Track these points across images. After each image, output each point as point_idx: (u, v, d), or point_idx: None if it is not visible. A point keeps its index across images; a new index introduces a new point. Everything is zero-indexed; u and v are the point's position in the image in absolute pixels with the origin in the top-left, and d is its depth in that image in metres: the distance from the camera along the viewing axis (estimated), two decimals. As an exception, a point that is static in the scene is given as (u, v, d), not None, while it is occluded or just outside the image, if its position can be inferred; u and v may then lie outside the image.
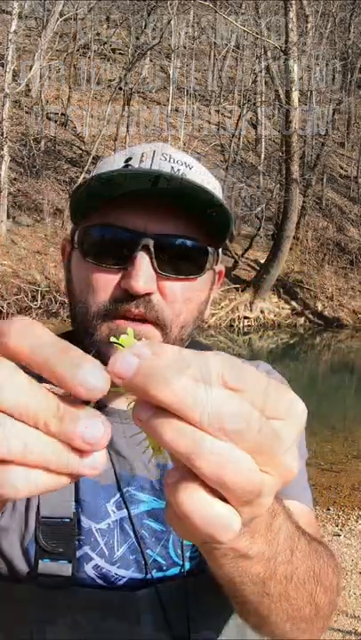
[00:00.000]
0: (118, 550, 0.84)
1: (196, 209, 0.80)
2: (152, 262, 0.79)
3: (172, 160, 0.84)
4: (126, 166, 0.84)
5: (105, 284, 0.80)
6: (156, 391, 0.35)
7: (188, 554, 0.86)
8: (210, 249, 0.84)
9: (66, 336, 0.93)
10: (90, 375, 0.35)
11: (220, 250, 0.91)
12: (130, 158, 0.85)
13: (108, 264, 0.80)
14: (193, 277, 0.83)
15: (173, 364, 0.36)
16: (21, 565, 0.82)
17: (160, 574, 0.85)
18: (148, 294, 0.79)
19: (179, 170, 0.84)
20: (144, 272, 0.77)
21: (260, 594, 0.61)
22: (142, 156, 0.84)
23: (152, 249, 0.79)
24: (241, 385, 0.37)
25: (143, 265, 0.78)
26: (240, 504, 0.38)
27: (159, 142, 0.90)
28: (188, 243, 0.82)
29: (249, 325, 17.14)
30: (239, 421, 0.35)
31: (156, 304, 0.80)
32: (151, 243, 0.78)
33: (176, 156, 0.86)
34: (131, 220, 0.80)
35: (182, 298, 0.82)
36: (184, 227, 0.81)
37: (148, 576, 0.84)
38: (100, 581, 0.83)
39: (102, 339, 0.80)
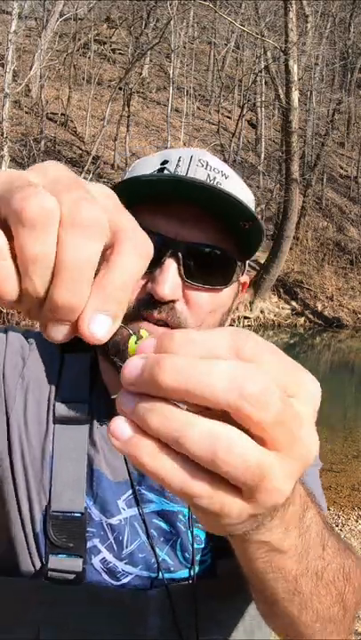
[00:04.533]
0: (127, 547, 0.84)
1: (230, 220, 0.79)
2: (179, 270, 0.78)
3: (208, 167, 0.84)
4: (162, 169, 0.84)
5: None
6: (161, 380, 0.34)
7: (197, 557, 0.86)
8: (238, 261, 0.84)
9: None
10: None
11: (247, 262, 0.90)
12: (166, 161, 0.84)
13: None
14: (219, 288, 0.82)
15: (179, 349, 0.35)
16: (33, 560, 0.82)
17: (168, 575, 0.84)
18: (173, 301, 0.79)
19: (215, 178, 0.83)
20: (170, 279, 0.77)
21: (291, 591, 0.61)
22: (179, 160, 0.84)
23: (181, 256, 0.78)
24: (258, 357, 0.35)
25: (170, 272, 0.77)
26: (246, 490, 0.36)
27: (197, 148, 0.89)
28: (218, 253, 0.81)
29: (249, 325, 17.14)
30: (259, 394, 0.34)
31: (179, 311, 0.79)
32: (180, 250, 0.78)
33: (213, 163, 0.85)
34: (162, 224, 0.79)
35: (207, 308, 0.82)
36: (215, 237, 0.81)
37: (155, 575, 0.84)
38: (105, 576, 0.83)
39: (124, 341, 0.79)
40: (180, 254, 0.78)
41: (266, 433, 0.35)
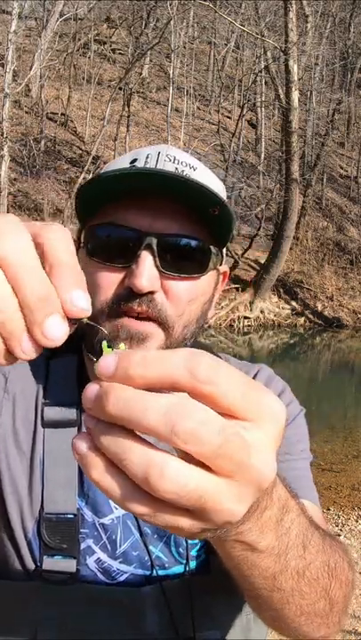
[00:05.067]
0: (121, 546, 0.85)
1: (199, 208, 0.80)
2: (155, 261, 0.79)
3: (176, 161, 0.85)
4: (131, 168, 0.85)
5: (109, 282, 0.81)
6: (107, 410, 0.38)
7: (192, 552, 0.86)
8: (213, 248, 0.85)
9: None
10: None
11: (225, 250, 0.91)
12: (135, 160, 0.86)
13: (112, 262, 0.81)
14: (196, 276, 0.83)
15: (135, 370, 0.38)
16: (25, 562, 0.83)
17: (162, 572, 0.85)
18: (152, 293, 0.80)
19: (183, 171, 0.85)
20: (147, 270, 0.78)
21: (270, 588, 0.62)
22: (147, 157, 0.85)
23: (155, 248, 0.79)
24: (213, 379, 0.37)
25: (147, 264, 0.78)
26: (193, 510, 0.39)
27: (164, 144, 0.91)
28: (192, 242, 0.82)
29: (249, 325, 17.14)
30: (191, 432, 0.36)
31: (159, 302, 0.80)
32: (155, 242, 0.79)
33: (180, 157, 0.87)
34: (135, 219, 0.81)
35: (186, 297, 0.83)
36: (188, 226, 0.82)
37: (150, 572, 0.84)
38: (101, 576, 0.83)
39: (110, 335, 0.81)
40: (154, 246, 0.79)
41: (208, 462, 0.37)
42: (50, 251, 0.40)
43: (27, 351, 0.40)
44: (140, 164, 0.85)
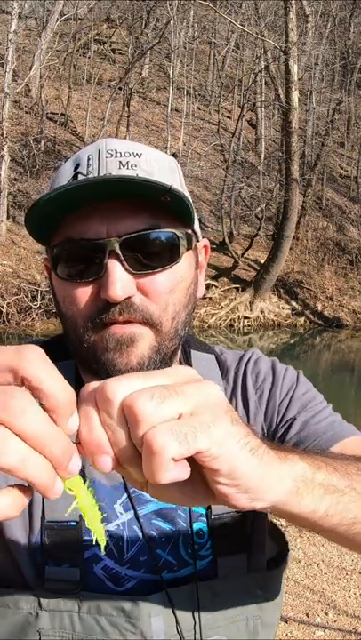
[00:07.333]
0: (128, 551, 0.84)
1: (151, 200, 0.78)
2: (124, 265, 0.77)
3: (118, 154, 0.82)
4: (76, 175, 0.82)
5: (85, 298, 0.79)
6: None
7: (200, 552, 0.86)
8: (179, 232, 0.82)
9: (59, 339, 0.92)
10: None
11: (197, 226, 0.89)
12: (78, 165, 0.83)
13: (82, 278, 0.79)
14: (169, 266, 0.80)
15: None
16: (29, 571, 0.82)
17: (171, 575, 0.84)
18: (129, 298, 0.78)
19: (128, 162, 0.81)
20: (119, 278, 0.76)
21: (352, 534, 0.64)
22: (88, 159, 0.82)
23: (120, 252, 0.77)
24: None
25: (116, 271, 0.76)
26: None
27: (104, 139, 0.87)
28: (154, 234, 0.79)
29: (249, 325, 17.15)
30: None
31: (139, 305, 0.79)
32: (117, 246, 0.77)
33: (122, 148, 0.83)
34: (92, 227, 0.78)
35: (165, 290, 0.80)
36: (147, 218, 0.79)
37: (159, 577, 0.83)
38: (109, 583, 0.82)
39: (99, 348, 0.80)
40: (118, 251, 0.77)
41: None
42: (45, 395, 0.46)
43: (58, 492, 0.47)
44: (83, 170, 0.82)
